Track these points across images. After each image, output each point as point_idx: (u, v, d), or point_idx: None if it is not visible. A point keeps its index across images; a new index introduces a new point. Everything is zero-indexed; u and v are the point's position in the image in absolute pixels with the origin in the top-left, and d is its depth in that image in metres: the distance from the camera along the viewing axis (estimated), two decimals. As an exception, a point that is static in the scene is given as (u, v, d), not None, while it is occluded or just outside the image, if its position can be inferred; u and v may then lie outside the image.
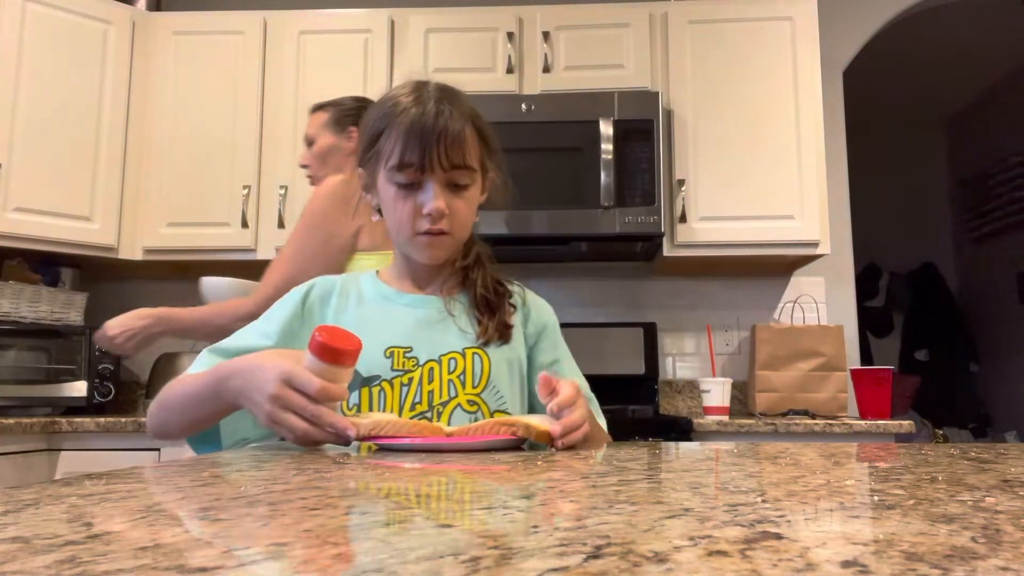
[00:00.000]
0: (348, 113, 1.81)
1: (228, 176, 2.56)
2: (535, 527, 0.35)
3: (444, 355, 0.99)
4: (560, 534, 0.33)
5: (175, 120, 2.59)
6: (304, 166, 1.85)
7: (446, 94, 0.99)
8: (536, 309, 1.11)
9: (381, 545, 0.31)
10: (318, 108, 1.86)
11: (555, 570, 0.26)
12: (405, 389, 0.96)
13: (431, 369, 0.98)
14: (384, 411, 0.96)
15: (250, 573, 0.27)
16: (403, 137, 0.95)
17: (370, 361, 0.96)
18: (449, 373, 0.98)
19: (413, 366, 0.98)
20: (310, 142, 1.83)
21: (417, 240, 0.99)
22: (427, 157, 0.94)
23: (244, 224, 2.52)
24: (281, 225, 2.51)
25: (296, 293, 1.06)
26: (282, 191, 2.52)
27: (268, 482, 0.55)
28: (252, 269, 2.73)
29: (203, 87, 2.61)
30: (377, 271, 1.11)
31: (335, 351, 0.78)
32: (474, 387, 0.98)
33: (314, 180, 1.82)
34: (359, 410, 0.96)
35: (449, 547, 0.30)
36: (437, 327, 1.01)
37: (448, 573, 0.26)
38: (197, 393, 0.90)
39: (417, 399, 0.96)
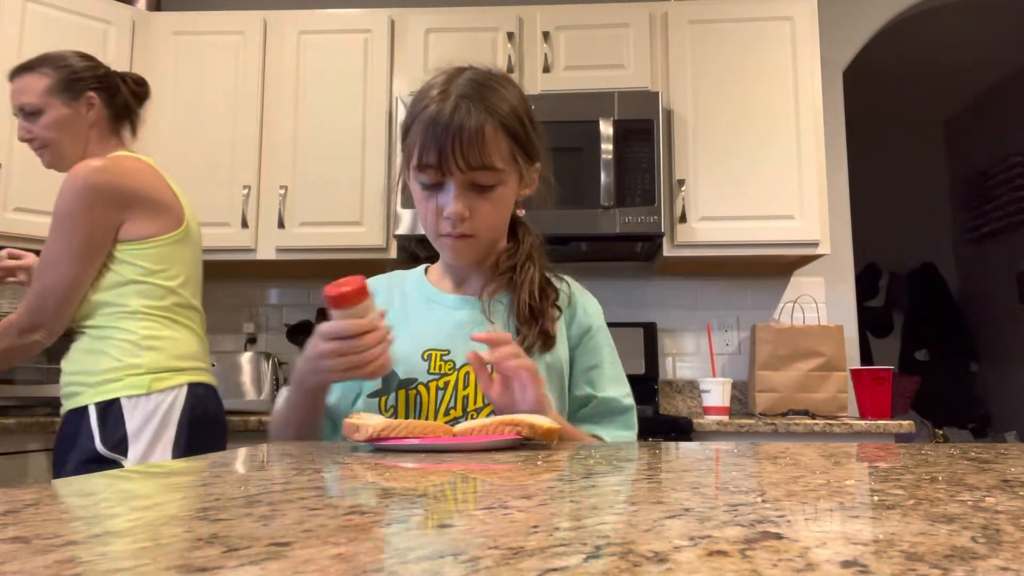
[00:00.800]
0: (81, 76, 1.60)
1: (228, 176, 2.56)
2: (535, 527, 0.35)
3: None
4: (560, 534, 0.33)
5: (175, 120, 2.59)
6: (28, 140, 1.59)
7: (474, 87, 0.93)
8: (582, 309, 1.07)
9: (381, 545, 0.31)
10: (26, 69, 1.59)
11: (555, 570, 0.26)
12: (441, 393, 0.95)
13: (467, 373, 0.95)
14: (420, 415, 0.95)
15: (250, 573, 0.27)
16: (422, 136, 0.91)
17: (408, 363, 0.96)
18: None
19: (450, 369, 0.96)
20: (34, 111, 1.57)
21: (440, 241, 0.98)
22: (443, 158, 0.90)
23: (244, 224, 2.52)
24: (281, 225, 2.51)
25: None
26: (282, 191, 2.52)
27: (268, 482, 0.55)
28: (252, 269, 2.74)
29: (203, 87, 2.61)
30: (427, 268, 1.10)
31: (337, 297, 0.84)
32: None
33: (54, 157, 1.61)
34: (395, 412, 0.96)
35: (449, 547, 0.30)
36: (476, 330, 0.96)
37: (448, 573, 0.26)
38: (288, 397, 0.96)
39: (452, 404, 0.94)
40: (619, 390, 1.05)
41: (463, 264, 1.02)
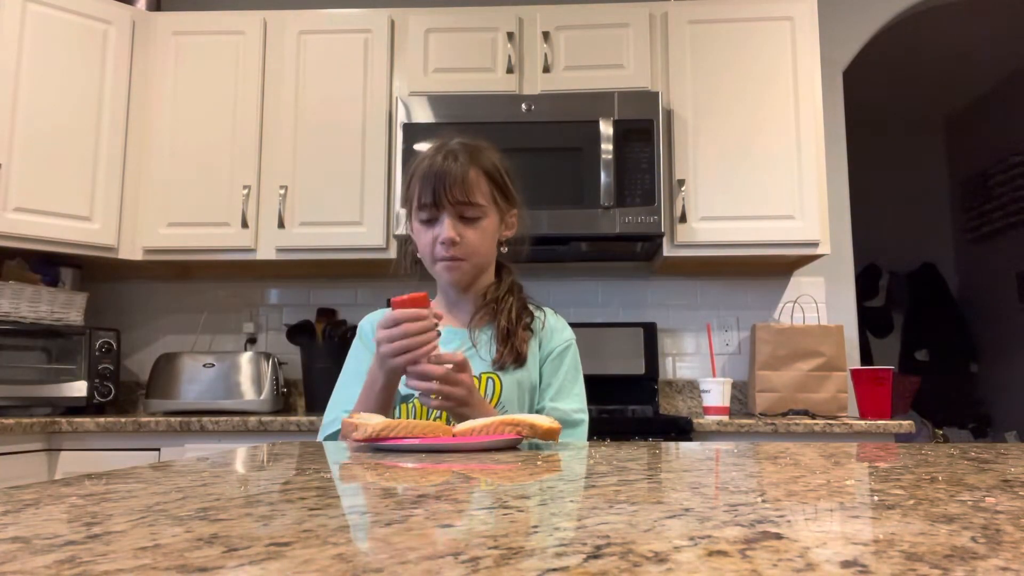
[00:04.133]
0: None
1: (228, 176, 2.56)
2: (535, 527, 0.35)
3: None
4: (560, 534, 0.33)
5: (175, 120, 2.59)
6: None
7: (461, 146, 1.18)
8: (549, 334, 1.23)
9: (381, 545, 0.31)
10: None
11: (555, 570, 0.26)
12: (427, 406, 1.12)
13: None
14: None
15: (250, 573, 0.27)
16: (420, 182, 1.16)
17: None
18: None
19: None
20: None
21: (437, 267, 1.17)
22: (435, 195, 1.13)
23: (244, 224, 2.51)
24: (281, 225, 2.51)
25: (357, 335, 1.27)
26: (282, 191, 2.52)
27: (268, 482, 0.55)
28: (252, 269, 2.74)
29: (203, 87, 2.61)
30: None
31: (399, 302, 1.02)
32: None
33: None
34: None
35: (449, 547, 0.30)
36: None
37: (448, 573, 0.26)
38: (360, 405, 1.11)
39: (439, 415, 1.12)
40: (570, 404, 1.19)
41: (456, 285, 1.20)
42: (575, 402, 1.19)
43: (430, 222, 1.16)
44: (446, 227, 1.13)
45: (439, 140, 1.21)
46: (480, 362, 1.16)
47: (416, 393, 1.12)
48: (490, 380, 1.14)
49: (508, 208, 1.22)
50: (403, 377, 1.09)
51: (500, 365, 1.15)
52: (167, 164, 2.58)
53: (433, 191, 1.13)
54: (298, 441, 0.99)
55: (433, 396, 1.01)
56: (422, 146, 2.46)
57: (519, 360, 1.16)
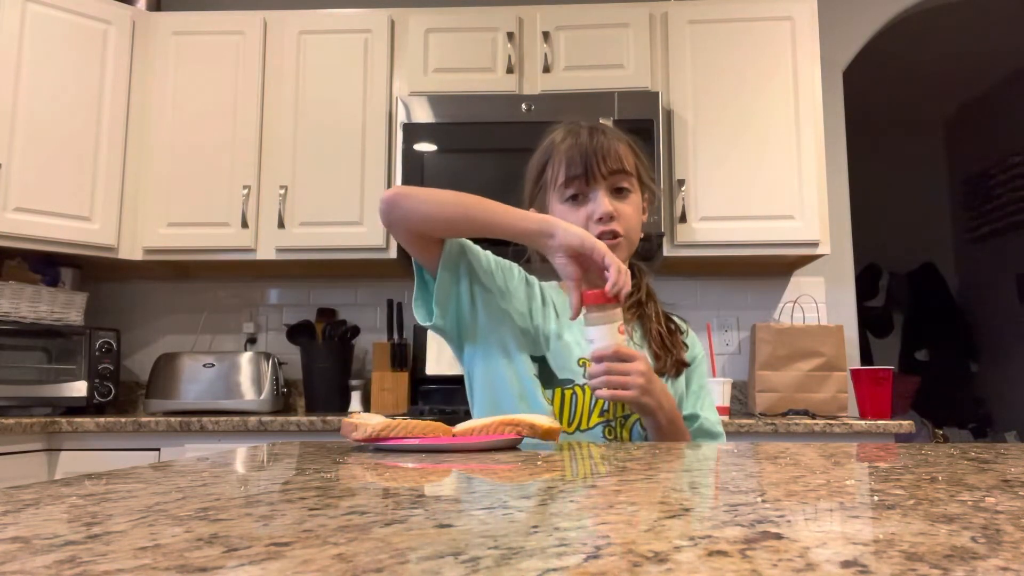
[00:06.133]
0: None
1: (228, 176, 2.56)
2: (535, 527, 0.35)
3: None
4: (560, 534, 0.33)
5: (175, 120, 2.59)
6: None
7: (598, 125, 1.14)
8: (691, 342, 1.19)
9: (381, 545, 0.31)
10: None
11: (555, 570, 0.26)
12: (595, 397, 1.05)
13: None
14: (576, 412, 1.06)
15: (250, 573, 0.27)
16: (565, 157, 1.10)
17: (566, 366, 1.08)
18: None
19: None
20: None
21: None
22: (588, 167, 1.08)
23: (244, 224, 2.52)
24: (281, 225, 2.51)
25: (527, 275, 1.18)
26: (282, 191, 2.52)
27: (268, 482, 0.55)
28: (252, 269, 2.74)
29: (203, 87, 2.61)
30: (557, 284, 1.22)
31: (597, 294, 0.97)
32: None
33: None
34: (551, 407, 1.07)
35: (449, 547, 0.30)
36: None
37: (448, 573, 0.26)
38: (507, 212, 1.01)
39: (605, 407, 1.07)
40: (715, 416, 1.18)
41: None
42: (715, 413, 1.18)
43: (577, 199, 1.10)
44: (602, 201, 1.07)
45: (565, 125, 1.16)
46: None
47: (575, 380, 1.06)
48: None
49: (645, 188, 1.17)
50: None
51: (661, 372, 1.10)
52: (167, 164, 2.58)
53: (584, 164, 1.08)
54: (298, 441, 0.99)
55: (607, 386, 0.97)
56: (422, 146, 2.46)
57: (680, 370, 1.12)
